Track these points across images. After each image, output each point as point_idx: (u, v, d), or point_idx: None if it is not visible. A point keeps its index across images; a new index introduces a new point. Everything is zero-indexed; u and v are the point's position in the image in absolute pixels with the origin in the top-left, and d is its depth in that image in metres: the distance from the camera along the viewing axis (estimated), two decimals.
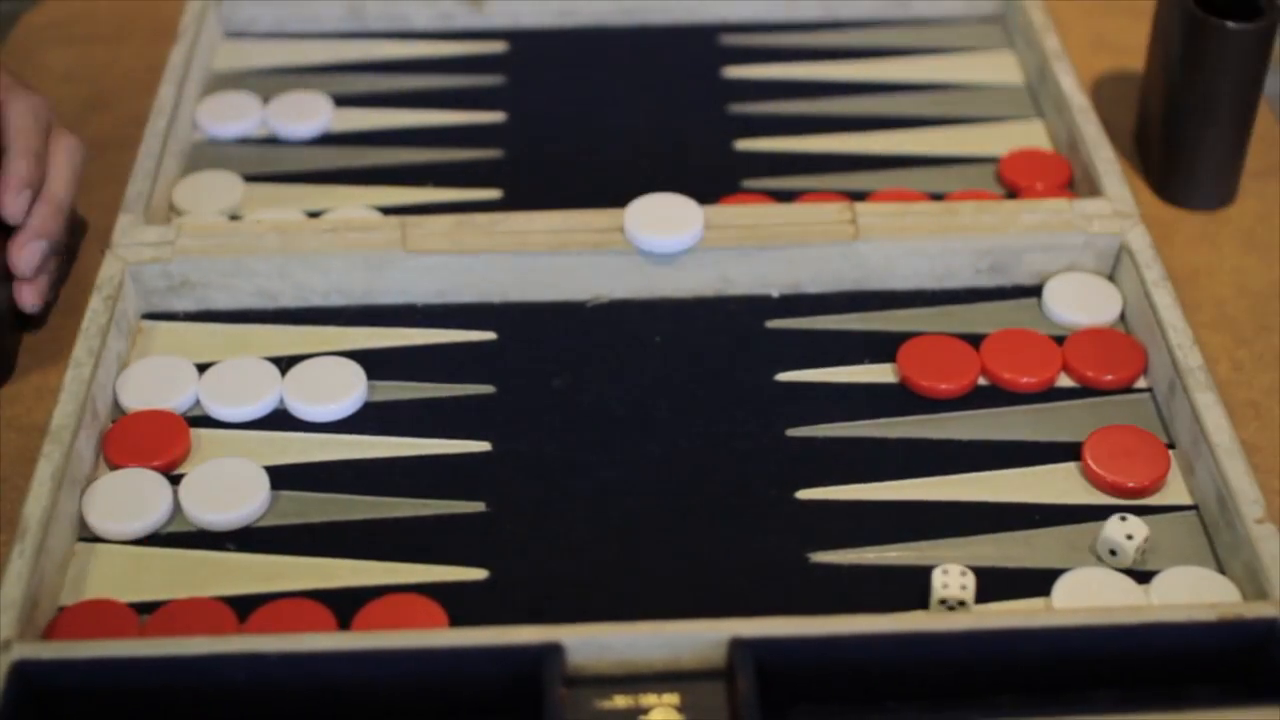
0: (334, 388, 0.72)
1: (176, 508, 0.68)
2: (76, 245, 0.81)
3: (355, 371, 0.73)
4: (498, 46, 0.94)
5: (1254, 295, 0.80)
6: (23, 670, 0.58)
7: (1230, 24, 0.79)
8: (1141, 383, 0.74)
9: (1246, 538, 0.64)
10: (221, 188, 0.83)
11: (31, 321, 0.77)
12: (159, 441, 0.70)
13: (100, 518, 0.67)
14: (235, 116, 0.87)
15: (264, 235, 0.77)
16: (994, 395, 0.73)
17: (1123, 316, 0.76)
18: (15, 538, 0.63)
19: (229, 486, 0.68)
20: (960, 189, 0.83)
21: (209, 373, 0.73)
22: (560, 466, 0.70)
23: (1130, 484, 0.68)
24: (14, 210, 0.73)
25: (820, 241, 0.76)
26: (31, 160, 0.74)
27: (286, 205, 0.83)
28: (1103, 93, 0.91)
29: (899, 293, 0.78)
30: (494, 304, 0.77)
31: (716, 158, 0.87)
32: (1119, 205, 0.78)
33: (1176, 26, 0.81)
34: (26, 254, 0.74)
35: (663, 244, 0.75)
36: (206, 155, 0.86)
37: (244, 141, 0.87)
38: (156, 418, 0.71)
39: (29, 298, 0.75)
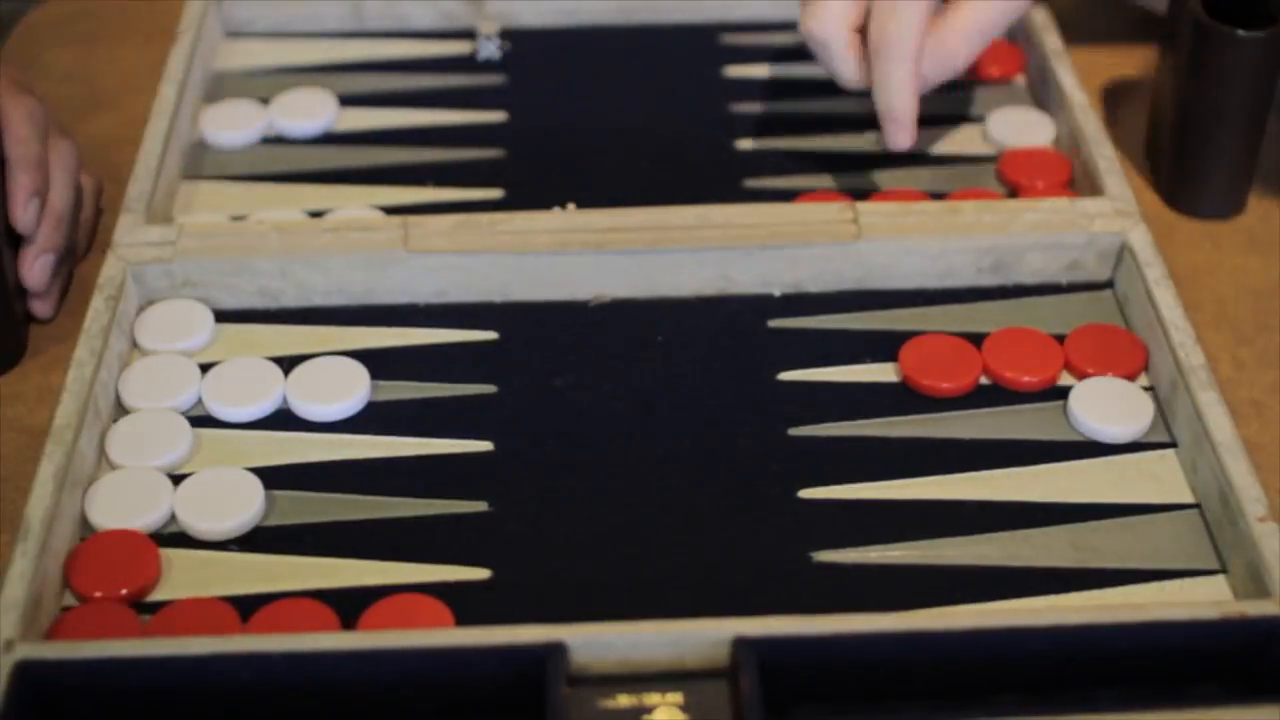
0: (337, 387, 0.72)
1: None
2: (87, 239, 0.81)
3: (359, 371, 0.73)
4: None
5: (1255, 294, 0.80)
6: (25, 670, 0.58)
7: (1240, 32, 0.78)
8: (1143, 380, 0.74)
9: (1249, 536, 0.64)
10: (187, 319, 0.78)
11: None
12: (126, 567, 0.65)
13: (103, 517, 0.67)
14: (239, 125, 0.87)
15: (265, 235, 0.77)
16: (996, 394, 0.73)
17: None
18: (18, 538, 0.63)
19: (223, 496, 0.67)
20: (961, 188, 0.83)
21: (211, 373, 0.73)
22: (562, 466, 0.70)
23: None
24: (25, 222, 0.74)
25: (822, 241, 0.76)
26: (35, 170, 0.74)
27: (287, 205, 0.83)
28: (1104, 92, 0.91)
29: (900, 292, 0.78)
30: (496, 303, 0.77)
31: (717, 157, 0.87)
32: (1120, 204, 0.78)
33: (1186, 35, 0.80)
34: (37, 270, 0.75)
35: None
36: (208, 155, 0.86)
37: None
38: (124, 539, 0.66)
39: (43, 310, 0.77)
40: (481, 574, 0.66)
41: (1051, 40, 0.89)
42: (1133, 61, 0.94)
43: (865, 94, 0.91)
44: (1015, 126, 0.87)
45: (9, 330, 0.75)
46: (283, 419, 0.72)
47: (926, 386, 0.73)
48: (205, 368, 0.74)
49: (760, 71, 0.93)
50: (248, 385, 0.72)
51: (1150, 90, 0.87)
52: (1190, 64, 0.80)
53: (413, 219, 0.77)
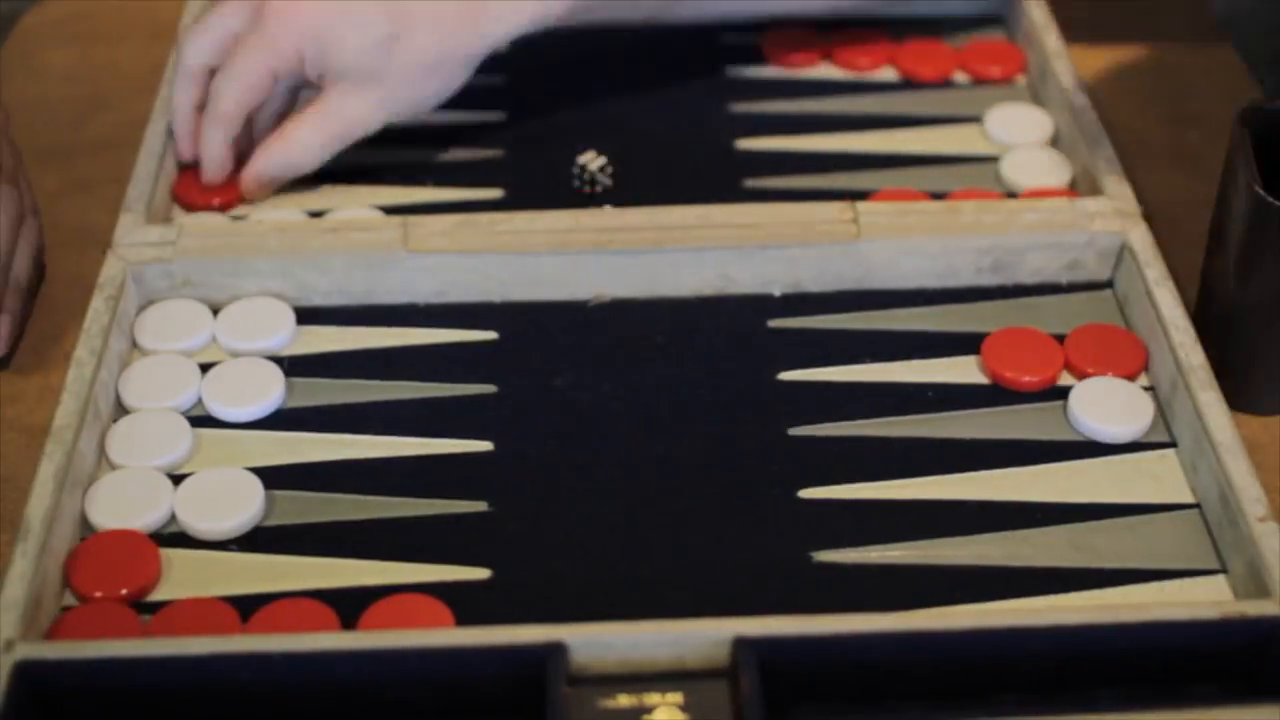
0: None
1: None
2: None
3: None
4: None
5: None
6: (26, 670, 0.58)
7: None
8: (1143, 380, 0.74)
9: (1249, 536, 0.64)
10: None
11: None
12: (126, 567, 0.65)
13: (103, 516, 0.67)
14: None
15: (265, 235, 0.77)
16: (996, 394, 0.73)
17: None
18: (18, 538, 0.63)
19: (223, 496, 0.67)
20: (961, 188, 0.83)
21: (211, 372, 0.73)
22: (562, 466, 0.70)
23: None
24: None
25: (822, 241, 0.76)
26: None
27: (288, 205, 0.83)
28: (1101, 89, 0.92)
29: (900, 292, 0.78)
30: (495, 303, 0.77)
31: (717, 157, 0.87)
32: (1120, 204, 0.78)
33: (1244, 213, 0.69)
34: None
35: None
36: None
37: None
38: (124, 539, 0.66)
39: None
40: (481, 574, 0.66)
41: (1051, 40, 0.89)
42: (1129, 57, 0.94)
43: (864, 93, 0.91)
44: (1014, 125, 0.87)
45: None
46: (282, 419, 0.72)
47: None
48: (205, 368, 0.74)
49: (760, 72, 0.93)
50: (248, 385, 0.72)
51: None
52: (1248, 245, 0.69)
53: (413, 219, 0.77)
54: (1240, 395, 0.72)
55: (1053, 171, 0.83)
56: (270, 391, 0.72)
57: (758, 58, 0.93)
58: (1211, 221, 0.73)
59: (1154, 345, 0.73)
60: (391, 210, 0.82)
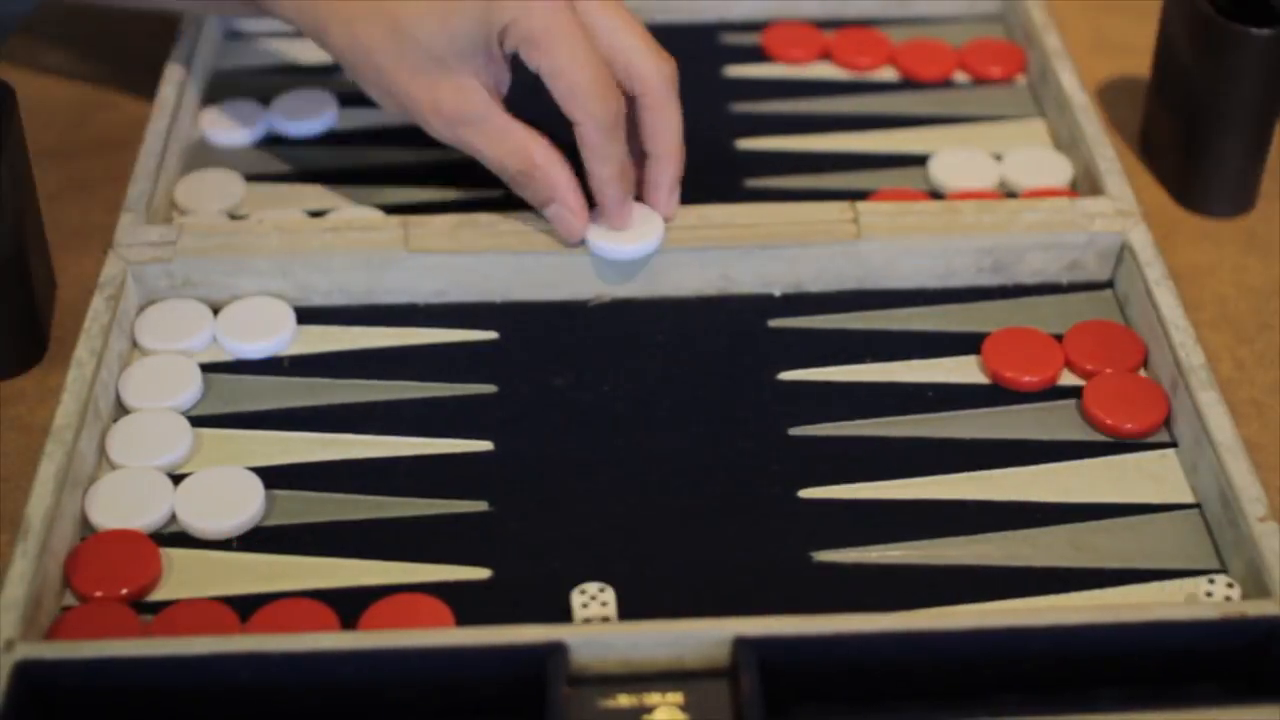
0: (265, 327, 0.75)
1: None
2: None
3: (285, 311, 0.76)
4: None
5: (1255, 294, 0.80)
6: (26, 670, 0.58)
7: (1253, 30, 0.77)
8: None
9: (1249, 536, 0.64)
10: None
11: None
12: (126, 567, 0.65)
13: (103, 516, 0.67)
14: (238, 124, 0.87)
15: (266, 235, 0.77)
16: (996, 394, 0.73)
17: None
18: (18, 538, 0.63)
19: (223, 496, 0.67)
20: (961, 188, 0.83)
21: (223, 313, 0.74)
22: (562, 465, 0.70)
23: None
24: None
25: (822, 240, 0.76)
26: None
27: (288, 205, 0.83)
28: (1105, 92, 0.92)
29: (900, 292, 0.78)
30: (496, 303, 0.77)
31: (717, 157, 0.87)
32: (1120, 204, 0.78)
33: (1188, 30, 0.80)
34: None
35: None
36: (208, 155, 0.86)
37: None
38: (124, 539, 0.66)
39: None
40: (481, 574, 0.66)
41: (1051, 40, 0.89)
42: (1124, 51, 0.94)
43: (864, 93, 0.91)
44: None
45: (33, 328, 0.75)
46: (284, 419, 0.72)
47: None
48: (205, 368, 0.74)
49: (760, 71, 0.93)
50: (261, 327, 0.74)
51: (1144, 83, 0.87)
52: (1201, 62, 0.80)
53: (413, 218, 0.77)
54: (1196, 198, 0.84)
55: (1053, 171, 0.83)
56: (281, 329, 0.74)
57: (758, 57, 0.93)
58: (1157, 41, 0.84)
59: (1154, 345, 0.73)
60: (391, 210, 0.82)
